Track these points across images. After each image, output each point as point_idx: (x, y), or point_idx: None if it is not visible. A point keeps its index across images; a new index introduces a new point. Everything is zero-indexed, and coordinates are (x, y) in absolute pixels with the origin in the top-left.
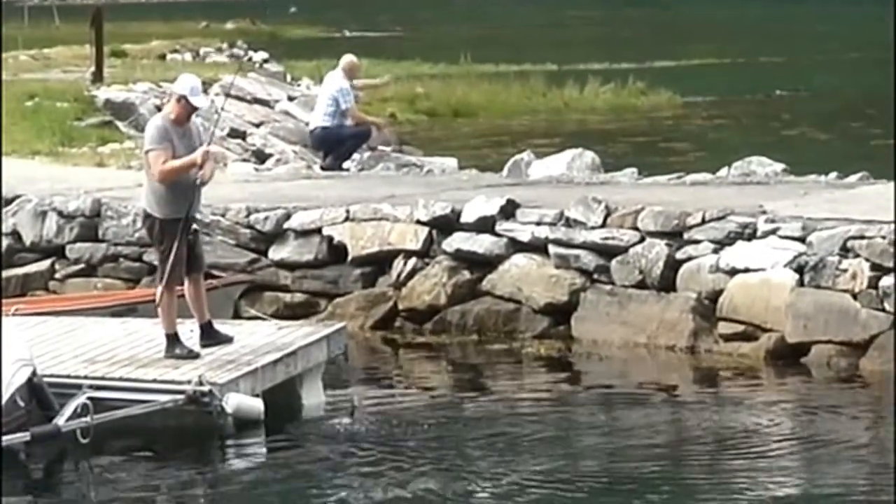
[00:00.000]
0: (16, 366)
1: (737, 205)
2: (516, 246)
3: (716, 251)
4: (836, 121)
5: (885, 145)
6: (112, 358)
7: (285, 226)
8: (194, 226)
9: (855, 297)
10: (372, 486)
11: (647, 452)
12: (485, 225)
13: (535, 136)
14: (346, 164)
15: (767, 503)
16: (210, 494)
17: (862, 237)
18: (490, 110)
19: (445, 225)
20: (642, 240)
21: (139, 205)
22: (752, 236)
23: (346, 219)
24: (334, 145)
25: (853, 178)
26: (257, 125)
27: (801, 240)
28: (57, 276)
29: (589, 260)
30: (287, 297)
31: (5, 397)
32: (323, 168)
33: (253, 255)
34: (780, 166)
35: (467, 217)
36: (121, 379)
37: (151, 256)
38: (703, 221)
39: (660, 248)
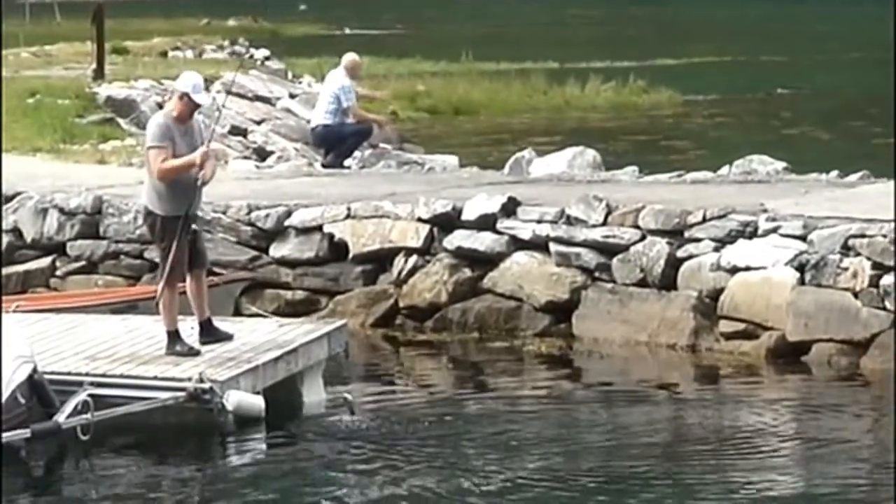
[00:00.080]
0: (16, 363)
1: (738, 203)
2: (517, 244)
3: (717, 249)
4: (837, 120)
5: (886, 144)
6: (113, 355)
7: (286, 223)
8: (194, 225)
9: (856, 295)
10: (372, 483)
11: (647, 450)
12: (486, 223)
13: (536, 134)
14: (347, 162)
15: (767, 502)
16: (210, 491)
17: (863, 236)
18: (491, 108)
19: (446, 222)
20: (643, 238)
21: (140, 202)
22: (752, 235)
23: (347, 216)
24: (335, 143)
25: (854, 176)
26: (258, 122)
27: (802, 238)
28: (58, 273)
29: (590, 258)
30: (288, 294)
31: (6, 394)
32: (324, 165)
33: (254, 253)
34: (781, 165)
35: (468, 215)
36: (121, 376)
37: (152, 253)
38: (704, 220)
39: (661, 246)
